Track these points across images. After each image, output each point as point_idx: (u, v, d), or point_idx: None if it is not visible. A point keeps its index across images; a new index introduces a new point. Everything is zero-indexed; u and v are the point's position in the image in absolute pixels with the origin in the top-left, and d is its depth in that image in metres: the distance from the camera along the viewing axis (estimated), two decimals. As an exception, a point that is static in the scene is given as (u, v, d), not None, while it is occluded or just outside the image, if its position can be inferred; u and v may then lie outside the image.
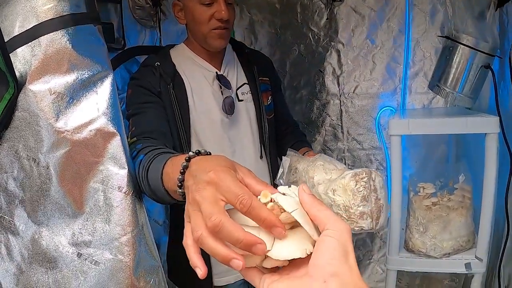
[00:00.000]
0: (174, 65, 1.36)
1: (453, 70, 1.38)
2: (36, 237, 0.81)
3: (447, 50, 1.40)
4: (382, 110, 1.79)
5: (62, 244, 0.80)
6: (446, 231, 1.40)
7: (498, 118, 1.25)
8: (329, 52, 2.20)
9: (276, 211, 0.55)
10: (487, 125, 1.25)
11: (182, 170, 0.68)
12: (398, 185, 1.33)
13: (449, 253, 1.42)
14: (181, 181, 0.69)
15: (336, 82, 2.21)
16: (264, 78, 1.51)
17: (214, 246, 0.54)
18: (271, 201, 0.56)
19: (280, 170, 1.31)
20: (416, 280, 2.10)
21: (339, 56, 2.19)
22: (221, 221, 0.53)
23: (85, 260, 0.78)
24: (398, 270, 1.49)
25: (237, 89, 1.43)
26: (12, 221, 0.82)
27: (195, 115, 1.35)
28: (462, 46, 1.35)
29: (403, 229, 1.53)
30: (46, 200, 0.81)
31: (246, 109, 1.44)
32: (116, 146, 0.80)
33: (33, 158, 0.80)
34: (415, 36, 2.01)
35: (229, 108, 1.37)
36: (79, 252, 0.79)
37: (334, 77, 2.21)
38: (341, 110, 2.22)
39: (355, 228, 1.05)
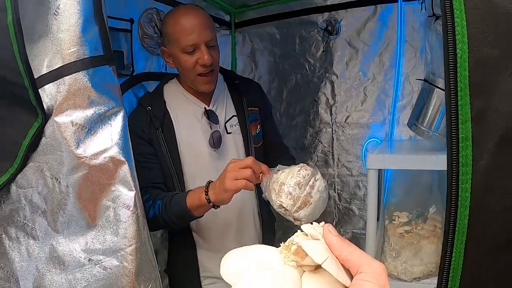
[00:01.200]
0: (165, 103, 1.52)
1: (429, 111, 1.55)
2: (54, 243, 0.97)
3: (425, 92, 1.58)
4: (369, 141, 1.97)
5: (76, 250, 0.96)
6: (417, 257, 1.57)
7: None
8: (323, 82, 2.39)
9: (301, 255, 0.55)
10: (454, 163, 1.41)
11: (206, 188, 1.29)
12: (373, 214, 1.50)
13: (419, 278, 1.58)
14: (207, 193, 1.28)
15: (329, 111, 2.40)
16: (253, 108, 1.65)
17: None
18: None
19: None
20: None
21: (332, 87, 2.38)
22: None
23: (95, 265, 0.95)
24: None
25: (225, 122, 1.57)
26: (34, 227, 0.99)
27: (185, 151, 1.51)
28: (438, 89, 1.52)
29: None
30: (64, 213, 0.97)
31: (234, 140, 1.59)
32: (125, 172, 0.97)
33: (55, 177, 0.96)
34: (405, 70, 2.19)
35: (216, 142, 1.51)
36: (90, 258, 0.96)
37: (327, 107, 2.40)
38: (333, 138, 2.41)
39: (276, 201, 1.20)
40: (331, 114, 2.40)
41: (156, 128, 1.48)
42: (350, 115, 2.36)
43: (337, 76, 2.36)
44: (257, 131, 1.66)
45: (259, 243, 1.61)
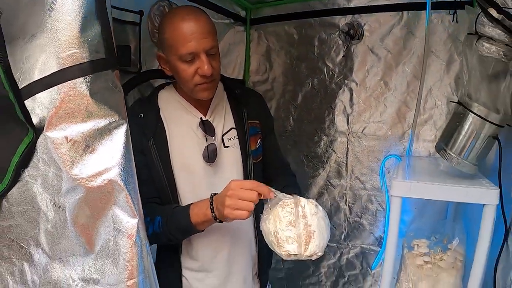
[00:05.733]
0: (158, 110, 1.42)
1: (460, 137, 1.44)
2: (49, 267, 0.89)
3: (458, 116, 1.46)
4: (387, 158, 1.85)
5: (72, 278, 0.88)
6: (435, 290, 1.47)
7: (498, 190, 1.31)
8: (342, 89, 2.29)
9: None
10: (486, 197, 1.31)
11: (211, 204, 1.26)
12: (394, 241, 1.41)
13: (435, 311, 1.48)
14: (213, 209, 1.25)
15: (345, 120, 2.30)
16: (254, 121, 1.54)
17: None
18: None
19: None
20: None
21: (351, 94, 2.27)
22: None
23: (92, 296, 0.87)
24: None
25: (223, 135, 1.47)
26: (28, 249, 0.90)
27: (178, 164, 1.41)
28: (473, 114, 1.41)
29: (394, 277, 1.59)
30: (60, 237, 0.88)
31: (232, 155, 1.48)
32: (127, 196, 0.87)
33: (50, 198, 0.88)
34: (429, 83, 2.08)
35: (211, 155, 1.41)
36: (87, 288, 0.87)
37: (344, 115, 2.30)
38: (348, 149, 2.31)
39: (282, 252, 1.14)
40: (347, 123, 2.30)
41: (148, 138, 1.38)
42: (368, 126, 2.25)
43: (356, 84, 2.25)
44: (257, 146, 1.55)
45: (254, 268, 1.57)
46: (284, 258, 1.16)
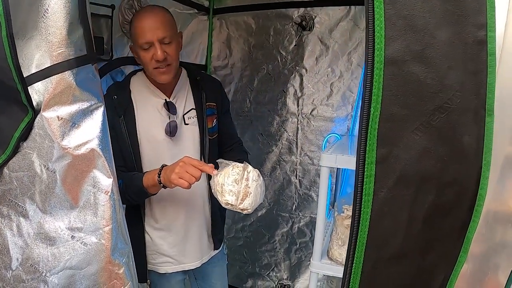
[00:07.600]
0: (130, 93, 1.71)
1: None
2: (41, 221, 1.15)
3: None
4: (329, 136, 2.19)
5: (60, 228, 1.15)
6: (360, 246, 1.82)
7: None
8: (293, 75, 2.60)
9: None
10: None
11: (159, 171, 1.53)
12: (323, 205, 1.74)
13: (360, 264, 1.83)
14: (159, 175, 1.53)
15: (296, 103, 2.62)
16: (211, 104, 1.83)
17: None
18: None
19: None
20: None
21: (301, 80, 2.59)
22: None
23: (77, 241, 1.15)
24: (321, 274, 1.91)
25: (184, 114, 1.75)
26: (24, 207, 1.16)
27: (143, 138, 1.70)
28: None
29: (327, 237, 1.93)
30: (51, 195, 1.14)
31: (191, 131, 1.77)
32: (104, 162, 1.15)
33: (44, 164, 1.13)
34: (370, 71, 2.39)
35: (172, 130, 1.70)
36: (72, 235, 1.15)
37: (295, 98, 2.62)
38: (298, 128, 2.63)
39: (223, 200, 1.46)
40: (297, 106, 2.62)
41: (119, 116, 1.66)
42: (316, 108, 2.58)
43: (306, 70, 2.57)
44: (213, 125, 1.85)
45: (208, 229, 1.91)
46: (223, 205, 1.48)
